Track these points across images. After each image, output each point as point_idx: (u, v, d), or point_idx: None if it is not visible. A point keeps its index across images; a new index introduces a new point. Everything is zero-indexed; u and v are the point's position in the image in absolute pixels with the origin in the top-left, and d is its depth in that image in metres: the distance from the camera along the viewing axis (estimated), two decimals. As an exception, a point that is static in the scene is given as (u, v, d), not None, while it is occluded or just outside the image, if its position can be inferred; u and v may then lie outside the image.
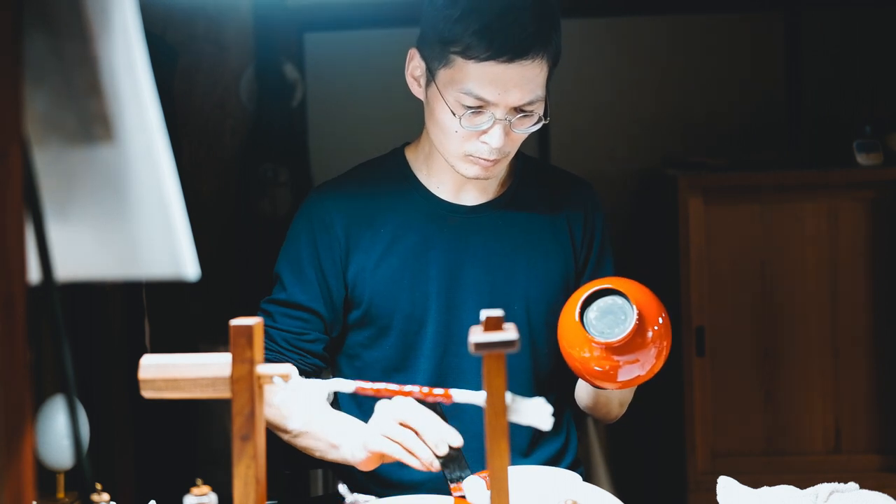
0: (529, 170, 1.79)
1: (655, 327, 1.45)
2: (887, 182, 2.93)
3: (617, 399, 1.72)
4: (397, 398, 1.44)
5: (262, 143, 3.36)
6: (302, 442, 1.64)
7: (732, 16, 3.43)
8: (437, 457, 1.42)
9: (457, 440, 1.42)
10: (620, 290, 1.45)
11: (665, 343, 1.47)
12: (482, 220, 1.71)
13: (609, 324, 1.45)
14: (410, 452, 1.43)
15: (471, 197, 1.73)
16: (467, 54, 1.54)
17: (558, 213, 1.77)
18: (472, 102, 1.56)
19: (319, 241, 1.70)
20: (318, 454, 1.63)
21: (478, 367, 1.62)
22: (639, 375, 1.48)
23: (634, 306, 1.43)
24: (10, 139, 0.70)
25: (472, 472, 1.44)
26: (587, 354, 1.46)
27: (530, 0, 1.56)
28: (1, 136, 0.69)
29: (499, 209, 1.73)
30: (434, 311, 1.69)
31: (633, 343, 1.43)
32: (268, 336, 1.68)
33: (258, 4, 3.36)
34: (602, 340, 1.44)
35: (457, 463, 1.44)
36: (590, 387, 1.67)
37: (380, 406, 1.49)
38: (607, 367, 1.46)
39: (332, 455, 1.60)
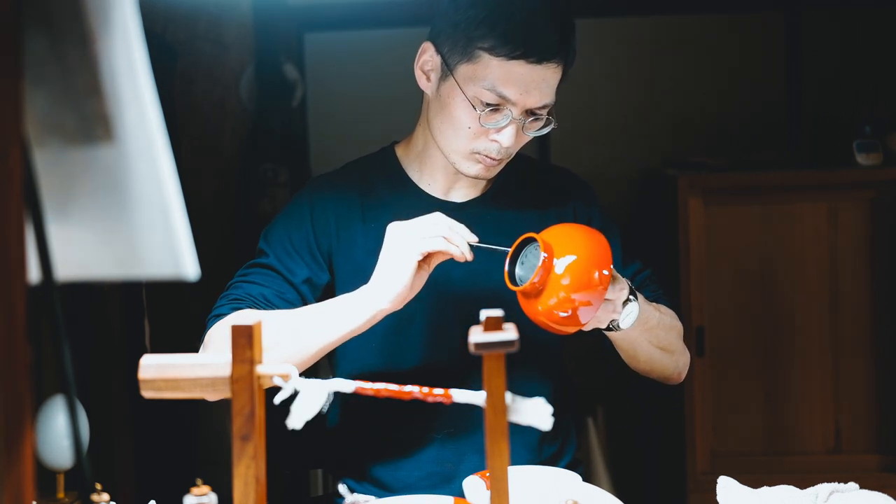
0: (517, 166, 1.79)
1: (605, 272, 1.45)
2: (887, 182, 2.93)
3: (651, 350, 1.70)
4: (409, 222, 1.51)
5: (262, 143, 3.36)
6: (307, 342, 1.54)
7: (732, 16, 3.44)
8: (473, 246, 1.51)
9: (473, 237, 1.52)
10: (538, 236, 1.47)
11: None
12: (471, 215, 1.69)
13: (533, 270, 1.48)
14: (452, 243, 1.49)
15: (460, 194, 1.74)
16: (496, 51, 1.56)
17: (547, 208, 1.77)
18: (492, 99, 1.57)
19: (316, 223, 1.70)
20: (332, 334, 1.54)
21: (468, 370, 1.63)
22: (593, 317, 1.48)
23: (543, 252, 1.44)
24: (10, 139, 0.70)
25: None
26: (545, 304, 1.46)
27: (552, 6, 1.59)
28: (1, 136, 0.69)
29: (487, 204, 1.75)
30: (423, 306, 1.68)
31: (577, 283, 1.44)
32: (243, 291, 1.63)
33: (258, 4, 3.36)
34: (517, 287, 1.48)
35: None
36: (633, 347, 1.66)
37: (395, 227, 1.51)
38: (566, 308, 1.46)
39: (359, 313, 1.52)
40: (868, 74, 3.35)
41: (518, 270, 1.51)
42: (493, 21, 1.56)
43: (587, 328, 1.53)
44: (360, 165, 1.78)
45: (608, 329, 1.58)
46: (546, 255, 1.44)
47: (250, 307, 1.60)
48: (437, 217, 1.51)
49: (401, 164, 1.75)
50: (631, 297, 1.55)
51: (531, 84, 1.57)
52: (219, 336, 1.58)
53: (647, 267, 1.84)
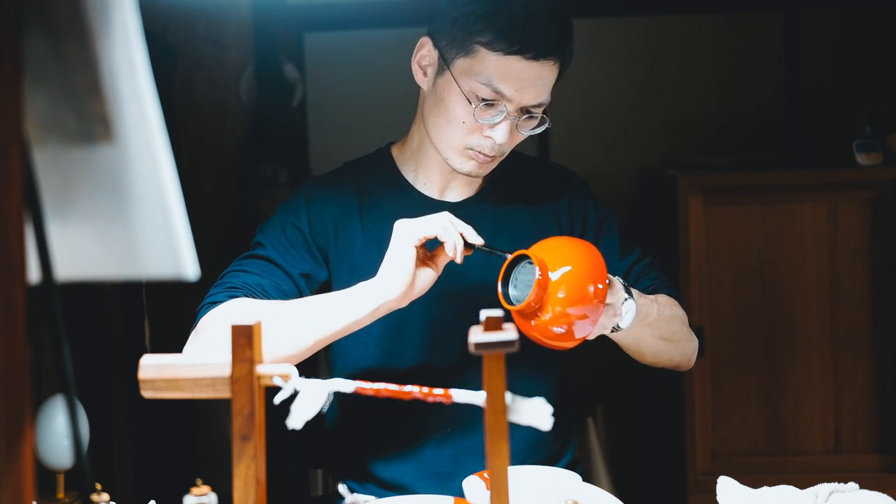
0: (511, 164, 1.78)
1: (600, 285, 1.43)
2: (887, 182, 2.93)
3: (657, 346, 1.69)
4: (416, 219, 1.51)
5: (262, 143, 3.36)
6: (307, 335, 1.52)
7: (732, 15, 3.44)
8: (476, 247, 1.50)
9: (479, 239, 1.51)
10: (532, 253, 1.45)
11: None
12: (467, 215, 1.68)
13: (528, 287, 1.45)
14: (447, 233, 1.49)
15: (455, 193, 1.75)
16: (494, 46, 1.57)
17: (541, 204, 1.78)
18: (487, 94, 1.58)
19: (313, 221, 1.69)
20: (331, 329, 1.52)
21: (467, 370, 1.63)
22: (589, 332, 1.46)
23: (537, 267, 1.42)
24: (10, 139, 0.70)
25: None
26: (536, 321, 1.45)
27: (552, 4, 1.59)
28: (1, 136, 0.69)
29: (482, 203, 1.75)
30: (418, 306, 1.68)
31: (573, 297, 1.42)
32: (239, 280, 1.61)
33: (258, 4, 3.36)
34: (513, 306, 1.45)
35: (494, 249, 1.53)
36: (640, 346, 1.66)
37: (400, 223, 1.51)
38: (563, 326, 1.44)
39: (363, 305, 1.50)
40: (868, 74, 3.35)
41: (511, 289, 1.48)
42: (492, 17, 1.57)
43: (591, 336, 1.51)
44: (357, 166, 1.78)
45: (611, 331, 1.58)
46: (541, 272, 1.42)
47: (247, 296, 1.58)
48: (443, 214, 1.50)
49: (396, 165, 1.76)
50: (627, 295, 1.54)
51: (527, 81, 1.58)
52: (213, 323, 1.54)
53: (647, 255, 1.83)
